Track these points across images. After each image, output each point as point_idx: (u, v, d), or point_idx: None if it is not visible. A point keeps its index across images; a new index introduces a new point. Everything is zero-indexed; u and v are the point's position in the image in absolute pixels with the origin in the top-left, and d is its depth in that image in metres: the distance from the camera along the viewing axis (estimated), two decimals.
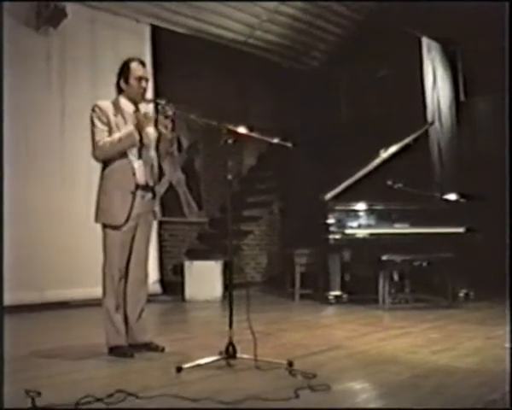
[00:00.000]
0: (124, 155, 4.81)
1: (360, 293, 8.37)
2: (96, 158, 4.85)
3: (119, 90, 4.99)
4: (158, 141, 5.03)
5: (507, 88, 4.07)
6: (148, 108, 5.20)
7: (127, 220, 4.80)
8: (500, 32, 7.02)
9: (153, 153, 5.05)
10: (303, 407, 3.44)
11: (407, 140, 8.99)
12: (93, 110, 4.84)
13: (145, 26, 9.68)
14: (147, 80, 5.01)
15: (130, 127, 4.78)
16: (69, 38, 8.66)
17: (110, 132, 4.79)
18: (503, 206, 5.47)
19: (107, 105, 4.89)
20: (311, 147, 10.93)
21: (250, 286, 9.62)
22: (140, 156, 4.89)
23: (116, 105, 4.91)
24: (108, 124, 4.81)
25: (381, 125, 10.03)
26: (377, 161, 8.76)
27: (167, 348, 4.99)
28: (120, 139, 4.75)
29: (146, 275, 5.10)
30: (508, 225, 3.96)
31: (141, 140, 4.84)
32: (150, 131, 4.98)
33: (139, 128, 4.78)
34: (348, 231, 8.32)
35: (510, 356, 4.41)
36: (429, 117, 10.26)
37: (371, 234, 8.35)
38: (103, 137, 4.77)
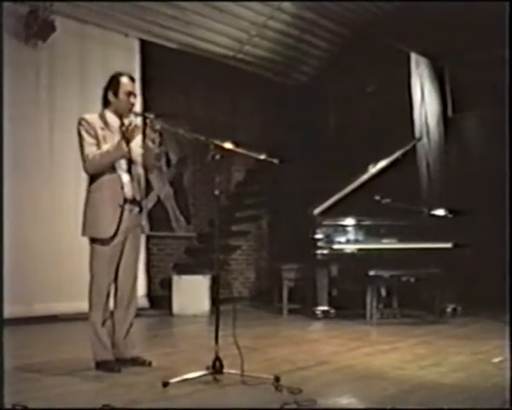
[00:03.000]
0: (113, 169, 4.79)
1: (348, 308, 8.37)
2: (87, 171, 4.81)
3: (105, 103, 4.96)
4: (144, 155, 5.00)
5: (507, 89, 4.08)
6: (135, 121, 5.18)
7: (116, 234, 4.78)
8: (488, 48, 7.08)
9: (140, 167, 5.03)
10: None
11: (395, 155, 9.01)
12: (80, 123, 4.80)
13: (134, 41, 9.68)
14: (135, 96, 5.01)
15: (117, 139, 4.76)
16: (58, 51, 8.65)
17: (98, 146, 4.76)
18: (491, 221, 5.49)
19: (93, 118, 4.86)
20: (299, 161, 10.94)
21: (237, 301, 9.59)
22: (129, 170, 4.88)
23: (103, 118, 4.88)
24: (96, 137, 4.77)
25: (370, 140, 10.05)
26: (366, 177, 8.79)
27: (154, 362, 4.96)
28: (109, 151, 4.72)
29: (135, 291, 5.06)
30: (508, 236, 3.97)
31: (129, 153, 4.82)
32: (137, 145, 4.95)
33: (126, 139, 4.75)
34: (336, 247, 8.33)
35: (510, 363, 4.44)
36: (417, 132, 10.29)
37: (359, 249, 8.35)
38: (92, 151, 4.74)
